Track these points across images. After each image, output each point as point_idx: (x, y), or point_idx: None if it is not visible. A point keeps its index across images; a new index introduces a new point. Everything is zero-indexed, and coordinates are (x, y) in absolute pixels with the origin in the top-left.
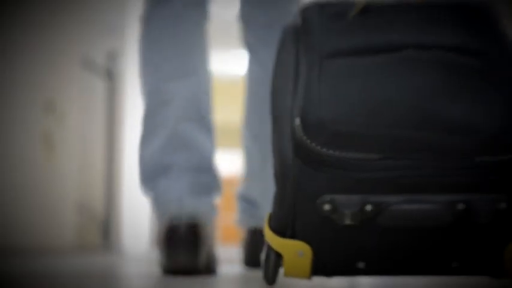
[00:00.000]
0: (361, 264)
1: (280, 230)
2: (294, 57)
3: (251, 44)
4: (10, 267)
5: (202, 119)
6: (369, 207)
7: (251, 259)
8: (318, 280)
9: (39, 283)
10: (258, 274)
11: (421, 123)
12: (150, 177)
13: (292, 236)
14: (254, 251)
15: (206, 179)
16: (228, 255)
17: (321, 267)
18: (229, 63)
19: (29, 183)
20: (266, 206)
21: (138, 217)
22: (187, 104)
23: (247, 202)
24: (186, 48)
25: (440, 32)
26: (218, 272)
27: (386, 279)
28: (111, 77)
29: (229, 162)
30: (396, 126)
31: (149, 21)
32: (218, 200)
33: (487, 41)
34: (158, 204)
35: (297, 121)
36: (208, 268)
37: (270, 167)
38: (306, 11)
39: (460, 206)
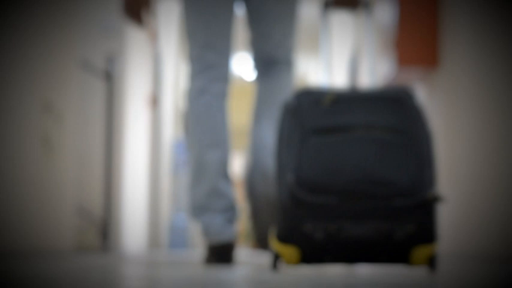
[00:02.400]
0: (329, 258)
1: (282, 239)
2: (289, 130)
3: (260, 69)
4: (10, 270)
5: (229, 176)
6: (332, 229)
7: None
8: (320, 270)
9: (39, 285)
10: (261, 274)
11: (363, 180)
12: (197, 212)
13: (288, 242)
14: (265, 216)
15: (232, 215)
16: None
17: (306, 260)
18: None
19: (27, 184)
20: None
21: (136, 219)
22: (220, 166)
23: (255, 176)
24: (217, 126)
25: (380, 116)
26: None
27: (377, 269)
28: (109, 78)
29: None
30: (348, 182)
31: (193, 106)
32: (238, 227)
33: (408, 122)
34: (205, 232)
35: (291, 177)
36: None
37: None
38: (299, 96)
39: (386, 231)
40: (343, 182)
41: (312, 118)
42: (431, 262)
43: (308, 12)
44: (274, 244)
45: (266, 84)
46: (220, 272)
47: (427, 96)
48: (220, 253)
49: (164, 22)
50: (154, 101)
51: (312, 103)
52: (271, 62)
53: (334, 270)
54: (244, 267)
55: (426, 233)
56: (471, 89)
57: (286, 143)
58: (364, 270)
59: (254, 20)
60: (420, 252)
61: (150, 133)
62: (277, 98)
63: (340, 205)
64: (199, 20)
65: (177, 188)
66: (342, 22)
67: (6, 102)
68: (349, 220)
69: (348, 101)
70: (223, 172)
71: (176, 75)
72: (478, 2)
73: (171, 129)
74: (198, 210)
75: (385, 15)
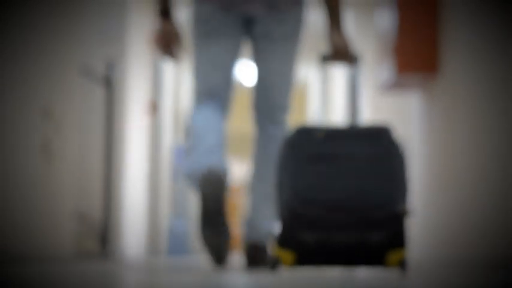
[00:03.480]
0: (319, 261)
1: (280, 244)
2: (288, 159)
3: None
4: (10, 276)
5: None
6: (321, 236)
7: (250, 262)
8: (322, 272)
9: None
10: (256, 275)
11: (346, 196)
12: (188, 160)
13: (286, 247)
14: (253, 257)
15: (223, 155)
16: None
17: (300, 262)
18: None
19: (27, 190)
20: (263, 226)
21: (136, 224)
22: (216, 145)
23: (250, 225)
24: (216, 129)
25: (362, 147)
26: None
27: (375, 273)
28: (109, 84)
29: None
30: (334, 198)
31: (197, 113)
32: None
33: (385, 153)
34: (193, 167)
35: (289, 194)
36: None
37: (268, 204)
38: (297, 132)
39: (365, 237)
40: (330, 198)
41: (307, 148)
42: (402, 264)
43: (309, 19)
44: (274, 248)
45: (264, 135)
46: (221, 277)
47: (426, 103)
48: (213, 184)
49: None
50: (154, 107)
51: (307, 137)
52: (271, 110)
53: (332, 274)
54: (245, 272)
55: (398, 240)
56: (470, 96)
57: (285, 169)
58: (361, 273)
59: (259, 60)
60: (393, 255)
61: (149, 139)
62: (273, 150)
63: (327, 217)
64: (208, 51)
65: (176, 193)
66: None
67: (6, 108)
68: (335, 229)
69: (337, 135)
70: (219, 148)
71: (177, 81)
72: (478, 8)
73: (170, 135)
74: (191, 171)
75: (384, 21)
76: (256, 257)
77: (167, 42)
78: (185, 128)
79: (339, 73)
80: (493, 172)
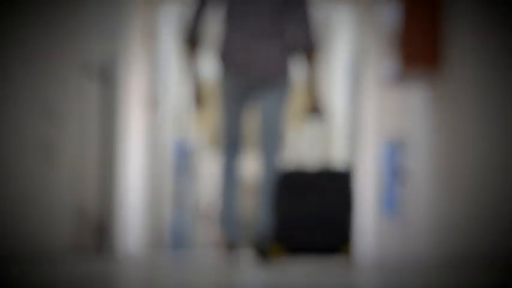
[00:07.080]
0: (301, 252)
1: (277, 240)
2: (282, 190)
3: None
4: (8, 274)
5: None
6: (303, 234)
7: (260, 251)
8: (322, 264)
9: None
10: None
11: (318, 212)
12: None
13: (280, 241)
14: (261, 248)
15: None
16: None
17: (290, 252)
18: None
19: (26, 188)
20: (267, 229)
21: (134, 221)
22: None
23: (261, 229)
24: (235, 188)
25: (327, 183)
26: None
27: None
28: (109, 81)
29: None
30: (311, 213)
31: (224, 171)
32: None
33: (341, 186)
34: (225, 233)
35: (284, 212)
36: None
37: (270, 216)
38: (288, 173)
39: (328, 236)
40: (308, 213)
41: (294, 184)
42: (350, 252)
43: None
44: (273, 242)
45: (267, 167)
46: (224, 276)
47: (431, 97)
48: (231, 247)
49: (166, 24)
50: (155, 103)
51: (294, 177)
52: (269, 137)
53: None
54: (248, 269)
55: (346, 236)
56: (476, 89)
57: (281, 196)
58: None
59: (261, 112)
60: (344, 246)
61: (150, 133)
62: (272, 179)
63: (306, 223)
64: (228, 113)
65: (178, 188)
66: (342, 22)
67: (6, 105)
68: (309, 231)
69: (313, 175)
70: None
71: (178, 76)
72: (484, 1)
73: (172, 130)
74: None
75: (389, 14)
76: (263, 247)
77: (199, 100)
78: (219, 174)
79: (339, 67)
80: (499, 165)
